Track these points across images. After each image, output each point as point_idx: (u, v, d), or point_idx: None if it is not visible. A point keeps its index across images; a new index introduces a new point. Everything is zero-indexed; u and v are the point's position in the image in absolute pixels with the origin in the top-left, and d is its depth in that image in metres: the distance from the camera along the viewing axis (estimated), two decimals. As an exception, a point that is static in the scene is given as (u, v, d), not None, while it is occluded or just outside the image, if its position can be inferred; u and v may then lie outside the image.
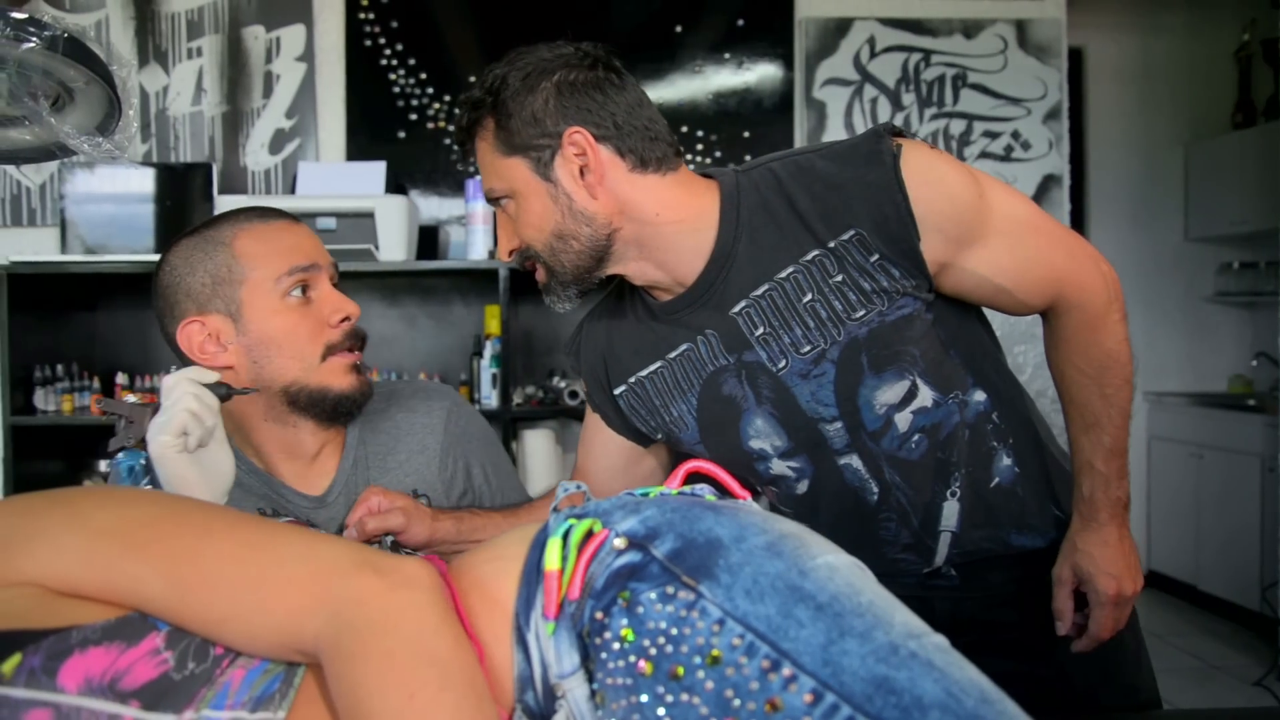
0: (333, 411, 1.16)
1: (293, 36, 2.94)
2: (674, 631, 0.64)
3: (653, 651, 0.64)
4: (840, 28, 3.07)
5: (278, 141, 2.94)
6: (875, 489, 1.13)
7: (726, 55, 3.05)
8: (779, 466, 1.16)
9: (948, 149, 3.08)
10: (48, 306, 2.69)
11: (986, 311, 1.18)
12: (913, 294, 1.05)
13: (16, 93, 1.05)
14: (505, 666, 0.71)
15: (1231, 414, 3.76)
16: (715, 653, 0.63)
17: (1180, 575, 4.00)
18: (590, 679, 0.68)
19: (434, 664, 0.63)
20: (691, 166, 1.13)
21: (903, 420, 1.10)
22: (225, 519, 0.71)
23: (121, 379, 2.73)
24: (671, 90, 3.01)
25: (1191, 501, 3.91)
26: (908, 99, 3.10)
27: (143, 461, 0.98)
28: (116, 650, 0.62)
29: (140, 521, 0.68)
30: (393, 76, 2.96)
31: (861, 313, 1.05)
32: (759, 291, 1.07)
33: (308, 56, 2.95)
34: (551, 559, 0.70)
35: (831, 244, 1.04)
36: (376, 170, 2.81)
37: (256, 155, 2.94)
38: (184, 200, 2.83)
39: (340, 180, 2.80)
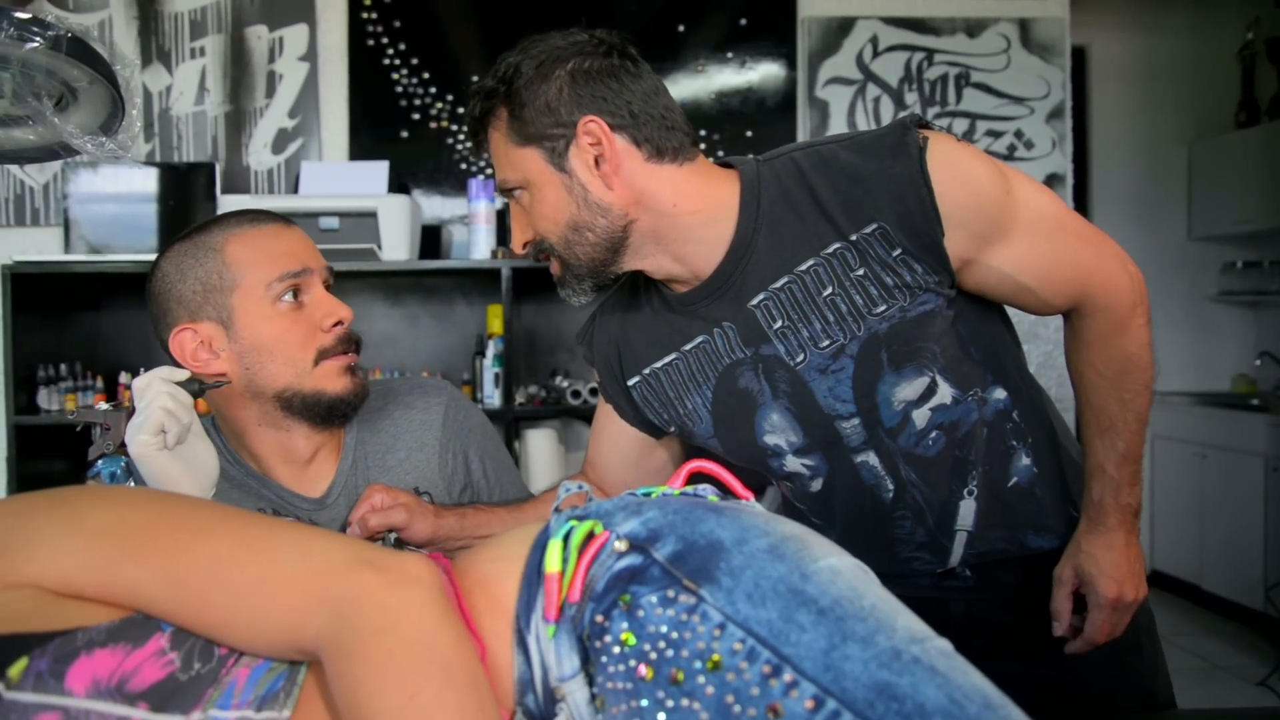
0: (328, 414, 1.15)
1: (295, 36, 2.94)
2: (675, 635, 0.64)
3: (653, 656, 0.64)
4: (843, 27, 3.07)
5: (280, 141, 2.94)
6: (890, 486, 1.12)
7: (729, 55, 3.05)
8: (793, 463, 1.15)
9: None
10: (51, 306, 2.69)
11: (1007, 309, 1.17)
12: (935, 290, 1.03)
13: (20, 92, 1.05)
14: (506, 668, 0.71)
15: (1235, 413, 3.75)
16: (716, 657, 0.62)
17: (1184, 575, 4.00)
18: (590, 682, 0.68)
19: (435, 662, 0.62)
20: (712, 159, 1.11)
21: (920, 417, 1.09)
22: (223, 518, 0.70)
23: (125, 378, 2.73)
24: (674, 90, 2.98)
25: (1195, 501, 3.90)
26: (911, 98, 3.10)
27: (123, 465, 0.98)
28: (122, 652, 0.62)
29: (138, 523, 0.68)
30: (395, 76, 2.96)
31: (882, 308, 1.03)
32: (778, 284, 1.06)
33: (310, 56, 2.94)
34: (552, 561, 0.70)
35: (853, 237, 1.02)
36: (379, 170, 2.81)
37: (259, 155, 2.94)
38: (187, 200, 2.83)
39: (343, 180, 2.80)
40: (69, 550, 0.65)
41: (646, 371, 1.19)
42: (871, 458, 1.11)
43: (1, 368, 2.61)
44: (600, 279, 1.10)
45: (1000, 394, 1.13)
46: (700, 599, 0.64)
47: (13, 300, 2.51)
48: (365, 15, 2.95)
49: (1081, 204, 4.20)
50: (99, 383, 2.73)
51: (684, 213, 1.05)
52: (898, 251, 1.01)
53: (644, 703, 0.63)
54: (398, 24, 2.95)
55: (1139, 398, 1.08)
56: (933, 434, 1.10)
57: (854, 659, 0.60)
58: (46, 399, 2.63)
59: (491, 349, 2.70)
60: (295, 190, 2.87)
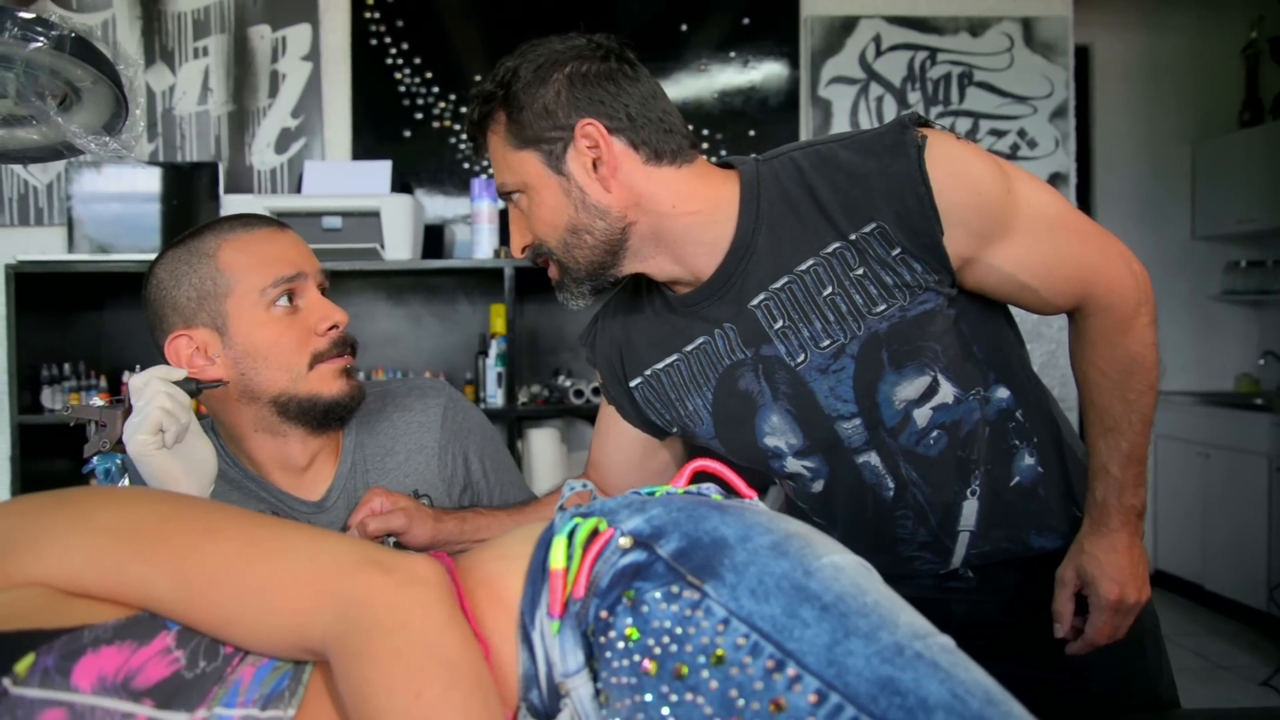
0: (324, 418, 1.15)
1: (298, 36, 2.94)
2: (679, 631, 0.64)
3: (657, 651, 0.64)
4: (846, 26, 3.07)
5: (283, 141, 2.95)
6: (891, 484, 1.12)
7: (732, 54, 3.05)
8: (793, 465, 1.15)
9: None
10: (55, 305, 2.69)
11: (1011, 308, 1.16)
12: (935, 289, 1.03)
13: (24, 92, 1.05)
14: (510, 665, 0.71)
15: (1238, 413, 3.74)
16: (720, 652, 0.62)
17: (1187, 575, 3.99)
18: (595, 678, 0.68)
19: (441, 662, 0.63)
20: (713, 159, 1.11)
21: (921, 416, 1.08)
22: (231, 518, 0.71)
23: (128, 378, 2.73)
24: (677, 89, 3.00)
25: (1198, 501, 3.90)
26: (913, 97, 3.10)
27: (118, 462, 0.99)
28: (128, 649, 0.62)
29: (146, 522, 0.68)
30: (398, 76, 2.97)
31: (882, 307, 1.03)
32: (778, 284, 1.06)
33: (313, 56, 2.95)
34: (557, 558, 0.70)
35: (853, 236, 1.02)
36: (382, 169, 2.81)
37: (262, 154, 2.95)
38: (190, 199, 2.83)
39: (346, 179, 2.81)
40: (77, 548, 0.66)
41: (648, 373, 1.19)
42: (873, 458, 1.11)
43: (5, 367, 2.62)
44: (599, 282, 1.10)
45: (1003, 393, 1.12)
46: (704, 595, 0.65)
47: (16, 300, 2.52)
48: (368, 15, 2.95)
49: (1085, 203, 4.20)
50: (102, 382, 2.74)
51: (683, 214, 1.06)
52: (897, 251, 1.01)
53: (648, 697, 0.64)
54: (400, 23, 2.96)
55: (1143, 398, 1.08)
56: (934, 433, 1.09)
57: (857, 654, 0.61)
58: (50, 398, 2.63)
59: (494, 348, 2.71)
60: (298, 190, 2.88)
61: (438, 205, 3.01)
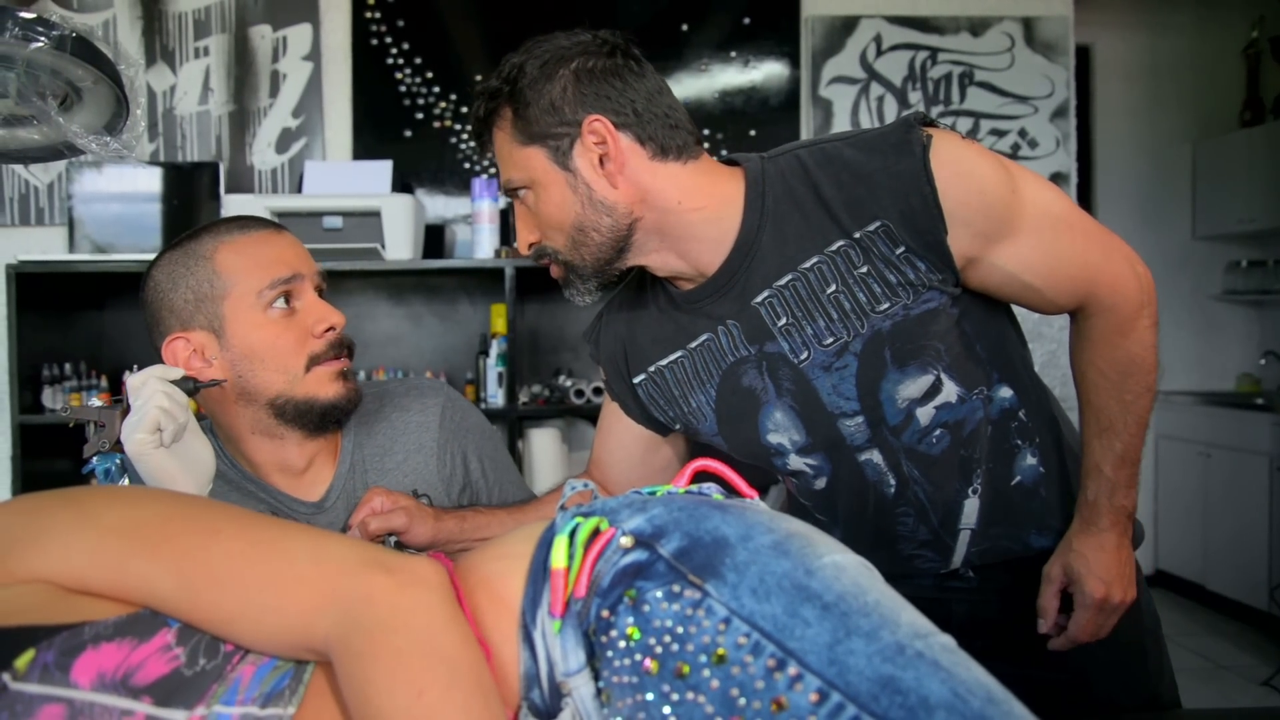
0: (321, 421, 1.14)
1: (299, 36, 2.94)
2: (680, 630, 0.64)
3: (658, 650, 0.64)
4: (846, 26, 3.07)
5: (284, 141, 2.95)
6: (893, 482, 1.12)
7: (733, 54, 3.05)
8: (796, 462, 1.15)
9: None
10: (56, 305, 2.70)
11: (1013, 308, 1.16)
12: (938, 288, 1.03)
13: (25, 92, 1.05)
14: (511, 664, 0.71)
15: (1239, 413, 3.74)
16: (721, 651, 0.63)
17: (1188, 575, 3.99)
18: (596, 677, 0.68)
19: (442, 662, 0.63)
20: (716, 158, 1.12)
21: (924, 414, 1.08)
22: (234, 518, 0.71)
23: (127, 377, 2.74)
24: (678, 89, 3.00)
25: (1199, 501, 3.90)
26: (914, 97, 3.09)
27: (117, 462, 0.99)
28: (129, 646, 0.62)
29: (150, 521, 0.68)
30: (399, 75, 2.97)
31: (886, 305, 1.03)
32: (782, 281, 1.06)
33: (314, 56, 2.95)
34: (558, 557, 0.70)
35: (857, 234, 1.02)
36: (383, 169, 2.81)
37: (263, 154, 2.95)
38: (191, 199, 2.84)
39: (347, 179, 2.81)
40: (81, 546, 0.66)
41: (652, 369, 1.19)
42: (875, 455, 1.11)
43: (6, 367, 2.63)
44: (605, 277, 1.10)
45: (1006, 392, 1.12)
46: (705, 594, 0.65)
47: (17, 299, 2.52)
48: (369, 15, 2.95)
49: (1085, 203, 4.20)
50: (103, 382, 2.74)
51: (688, 210, 1.06)
52: (901, 249, 1.01)
53: (649, 696, 0.64)
54: (401, 23, 2.96)
55: (1140, 400, 1.08)
56: (937, 432, 1.09)
57: (858, 653, 0.61)
58: (51, 398, 2.64)
59: (495, 348, 2.71)
60: (299, 190, 2.88)
61: (438, 205, 3.01)
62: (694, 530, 0.69)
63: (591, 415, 2.70)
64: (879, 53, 3.08)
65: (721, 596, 0.64)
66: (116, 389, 2.75)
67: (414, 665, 0.62)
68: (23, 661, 0.57)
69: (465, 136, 3.00)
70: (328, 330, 1.14)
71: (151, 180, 2.83)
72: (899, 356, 1.05)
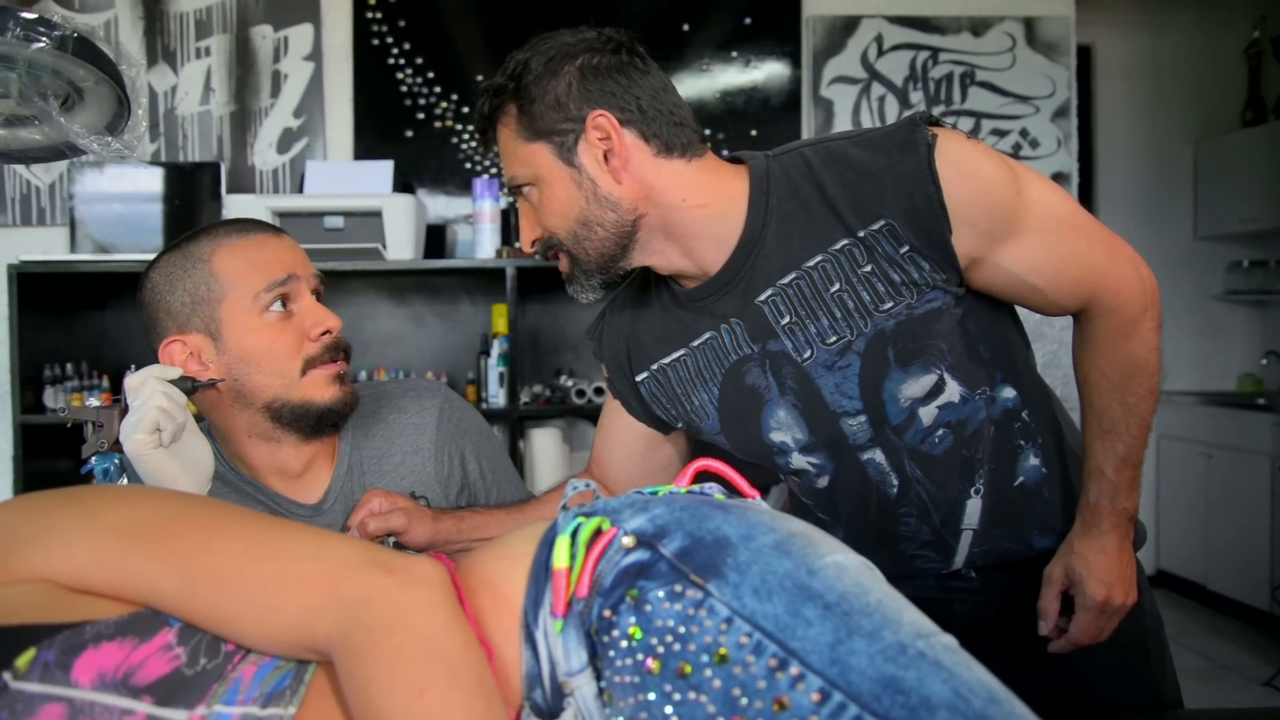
0: (317, 424, 1.14)
1: (300, 36, 2.94)
2: (682, 630, 0.64)
3: (660, 650, 0.64)
4: (848, 26, 3.07)
5: (285, 141, 2.95)
6: (895, 481, 1.12)
7: (734, 54, 3.05)
8: (799, 461, 1.15)
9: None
10: (57, 305, 2.70)
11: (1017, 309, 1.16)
12: (942, 287, 1.03)
13: (26, 92, 1.05)
14: (513, 664, 0.71)
15: (1241, 413, 3.74)
16: (723, 651, 0.63)
17: (1189, 575, 3.99)
18: (598, 677, 0.68)
19: (444, 662, 0.63)
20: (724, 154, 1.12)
21: (927, 414, 1.08)
22: (236, 517, 0.71)
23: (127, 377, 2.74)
24: (679, 89, 2.96)
25: (1201, 501, 3.90)
26: (915, 97, 3.09)
27: (116, 462, 0.99)
28: (130, 645, 0.62)
29: (151, 520, 0.68)
30: (400, 76, 2.97)
31: (889, 304, 1.03)
32: (786, 280, 1.06)
33: (315, 56, 2.95)
34: (560, 557, 0.70)
35: (861, 233, 1.02)
36: (384, 169, 2.82)
37: (264, 154, 2.95)
38: (192, 199, 2.84)
39: (348, 179, 2.81)
40: (83, 545, 0.66)
41: (655, 367, 1.19)
42: (878, 455, 1.11)
43: (8, 367, 2.63)
44: (609, 275, 1.10)
45: (1009, 393, 1.12)
46: (707, 594, 0.65)
47: (19, 300, 2.52)
48: (370, 15, 2.95)
49: (1087, 203, 4.20)
50: (105, 382, 2.74)
51: (693, 207, 1.06)
52: (905, 248, 1.01)
53: (651, 696, 0.64)
54: (402, 24, 2.96)
55: (1143, 402, 1.07)
56: (939, 431, 1.09)
57: (860, 653, 0.61)
58: (53, 398, 2.64)
59: (496, 348, 2.71)
60: (300, 190, 2.88)
61: (439, 205, 3.01)
62: (696, 530, 0.69)
63: (593, 415, 2.70)
64: (880, 53, 3.08)
65: (723, 596, 0.64)
66: (118, 389, 2.74)
67: (415, 665, 0.62)
68: (23, 660, 0.57)
69: (466, 136, 3.00)
70: (324, 334, 1.14)
71: (153, 180, 2.84)
72: (902, 356, 1.05)
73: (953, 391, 1.08)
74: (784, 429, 1.13)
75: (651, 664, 0.64)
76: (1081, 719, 1.15)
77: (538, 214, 1.08)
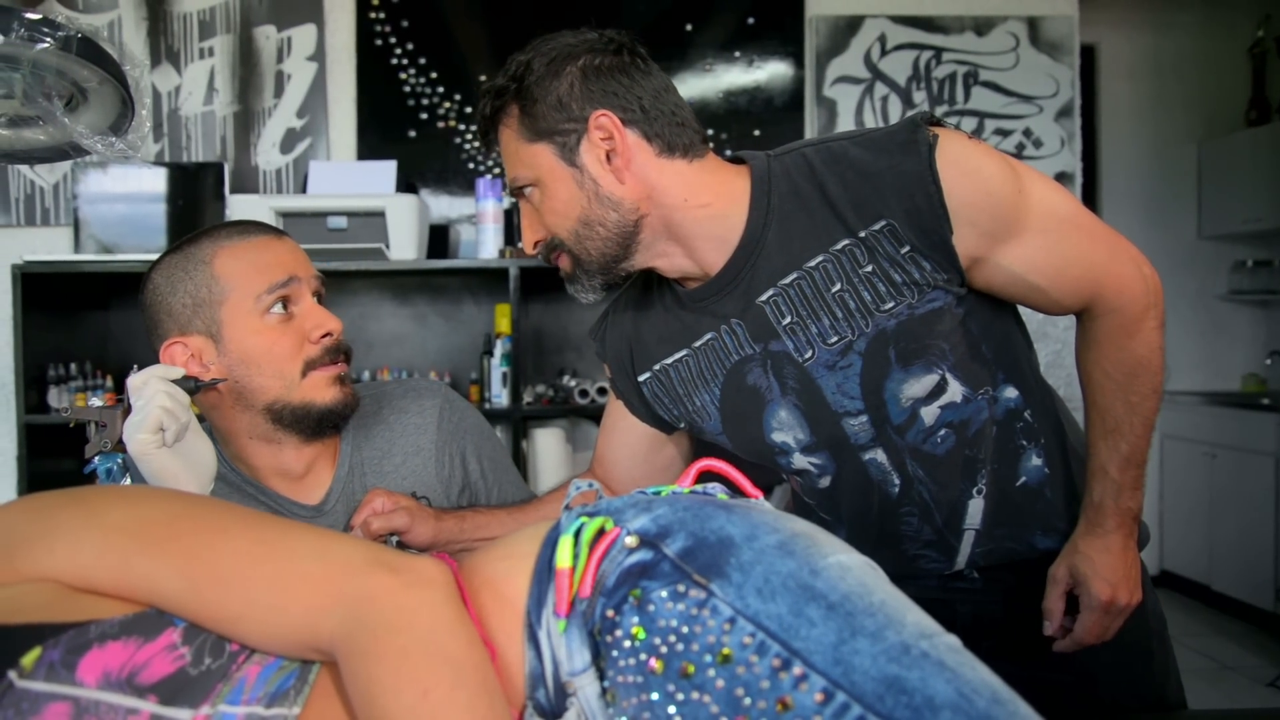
0: (318, 426, 1.14)
1: (304, 36, 2.95)
2: (685, 630, 0.64)
3: (664, 649, 0.64)
4: (851, 26, 3.07)
5: (289, 141, 2.95)
6: (897, 481, 1.12)
7: (737, 54, 3.05)
8: (800, 461, 1.15)
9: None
10: (61, 305, 2.70)
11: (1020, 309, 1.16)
12: (943, 287, 1.02)
13: (30, 93, 1.05)
14: (516, 664, 0.71)
15: (1245, 413, 3.73)
16: (726, 651, 0.63)
17: (1193, 575, 3.98)
18: (601, 677, 0.68)
19: (448, 662, 0.63)
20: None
21: (929, 414, 1.08)
22: (240, 517, 0.71)
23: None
24: (682, 89, 2.96)
25: (1204, 501, 3.89)
26: (919, 97, 3.09)
27: (119, 461, 0.99)
28: (134, 645, 0.63)
29: (156, 520, 0.68)
30: (403, 76, 2.97)
31: (890, 304, 1.03)
32: (787, 280, 1.06)
33: (319, 56, 2.95)
34: (563, 557, 0.70)
35: (862, 234, 1.02)
36: (387, 169, 2.82)
37: (268, 154, 2.95)
38: (196, 200, 2.84)
39: (351, 179, 2.81)
40: (88, 544, 0.66)
41: (657, 368, 1.19)
42: (879, 455, 1.11)
43: (12, 367, 2.63)
44: (611, 276, 1.10)
45: (1012, 393, 1.12)
46: (710, 594, 0.65)
47: (23, 300, 2.53)
48: (373, 15, 2.96)
49: (1090, 203, 4.19)
50: (108, 382, 2.74)
51: (694, 207, 1.06)
52: (906, 249, 1.01)
53: (654, 696, 0.64)
54: (405, 24, 2.96)
55: (1147, 401, 1.07)
56: (941, 431, 1.09)
57: (863, 653, 0.61)
58: (57, 398, 2.64)
59: (499, 348, 2.71)
60: (303, 190, 2.88)
61: (443, 205, 3.01)
62: (699, 530, 0.69)
63: (595, 415, 2.70)
64: (883, 52, 3.08)
65: (726, 596, 0.64)
66: (121, 389, 2.74)
67: (419, 665, 0.62)
68: (29, 659, 0.58)
69: (470, 136, 3.01)
70: (325, 336, 1.14)
71: (156, 180, 2.84)
72: (903, 356, 1.05)
73: (955, 391, 1.08)
74: (785, 429, 1.13)
75: (655, 664, 0.64)
76: (1085, 719, 1.15)
77: (540, 215, 1.08)
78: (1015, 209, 1.01)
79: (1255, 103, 4.24)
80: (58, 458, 2.68)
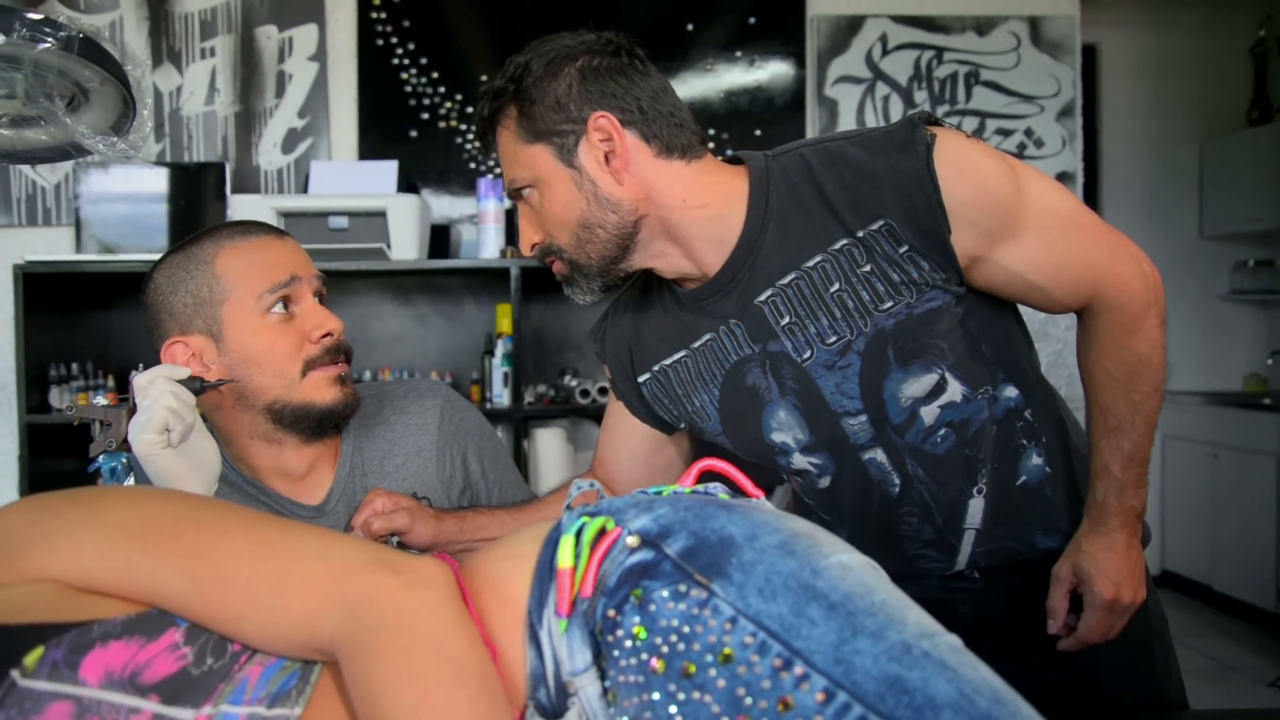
0: (318, 426, 1.15)
1: (305, 36, 2.95)
2: (686, 629, 0.64)
3: (665, 649, 0.64)
4: (852, 25, 3.07)
5: (290, 141, 2.95)
6: (897, 480, 1.12)
7: (738, 53, 3.05)
8: (800, 461, 1.15)
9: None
10: (62, 305, 2.70)
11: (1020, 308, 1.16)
12: (942, 287, 1.02)
13: (32, 93, 1.05)
14: (518, 664, 0.71)
15: (1246, 413, 3.73)
16: (727, 651, 0.63)
17: (1194, 575, 3.98)
18: (602, 676, 0.68)
19: (449, 662, 0.63)
20: (721, 156, 1.12)
21: (928, 414, 1.08)
22: (242, 518, 0.71)
23: (134, 376, 2.74)
24: (683, 89, 3.00)
25: (1206, 501, 3.89)
26: (920, 96, 3.09)
27: (124, 461, 0.99)
28: (137, 645, 0.63)
29: (159, 520, 0.69)
30: (404, 76, 2.97)
31: (889, 304, 1.03)
32: (786, 280, 1.06)
33: (320, 56, 2.96)
34: (564, 556, 0.70)
35: (860, 233, 1.02)
36: (388, 169, 2.82)
37: (269, 154, 2.95)
38: (197, 200, 2.84)
39: (352, 179, 2.81)
40: (90, 545, 0.66)
41: (656, 368, 1.19)
42: (879, 454, 1.11)
43: (13, 367, 2.63)
44: (610, 277, 1.10)
45: (1012, 392, 1.12)
46: (711, 593, 0.65)
47: (24, 299, 2.53)
48: (374, 15, 2.96)
49: (1092, 202, 4.19)
50: (110, 382, 2.74)
51: (693, 208, 1.06)
52: (904, 248, 1.01)
53: (656, 696, 0.64)
54: (407, 24, 2.96)
55: (1149, 399, 1.07)
56: (941, 431, 1.09)
57: (865, 653, 0.61)
58: (58, 398, 2.64)
59: (500, 348, 2.71)
60: (305, 190, 2.88)
61: (444, 205, 3.01)
62: (700, 530, 0.69)
63: (597, 415, 2.70)
64: (884, 52, 3.08)
65: (728, 596, 0.64)
66: (123, 389, 2.75)
67: (420, 665, 0.62)
68: (32, 659, 0.58)
69: (471, 136, 3.00)
70: (325, 336, 1.14)
71: (158, 180, 2.84)
72: (902, 355, 1.05)
73: (954, 391, 1.08)
74: (785, 429, 1.13)
75: (656, 664, 0.64)
76: (1086, 719, 1.15)
77: (538, 217, 1.08)
78: (1014, 208, 1.01)
79: (1257, 102, 4.24)
80: (59, 458, 2.68)
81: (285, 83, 2.95)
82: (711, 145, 3.06)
